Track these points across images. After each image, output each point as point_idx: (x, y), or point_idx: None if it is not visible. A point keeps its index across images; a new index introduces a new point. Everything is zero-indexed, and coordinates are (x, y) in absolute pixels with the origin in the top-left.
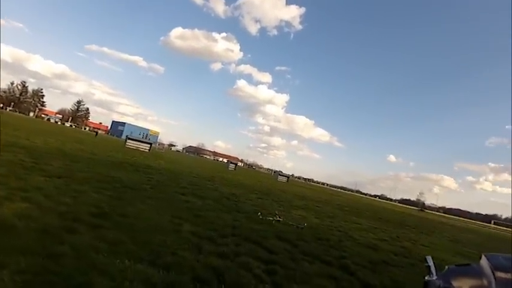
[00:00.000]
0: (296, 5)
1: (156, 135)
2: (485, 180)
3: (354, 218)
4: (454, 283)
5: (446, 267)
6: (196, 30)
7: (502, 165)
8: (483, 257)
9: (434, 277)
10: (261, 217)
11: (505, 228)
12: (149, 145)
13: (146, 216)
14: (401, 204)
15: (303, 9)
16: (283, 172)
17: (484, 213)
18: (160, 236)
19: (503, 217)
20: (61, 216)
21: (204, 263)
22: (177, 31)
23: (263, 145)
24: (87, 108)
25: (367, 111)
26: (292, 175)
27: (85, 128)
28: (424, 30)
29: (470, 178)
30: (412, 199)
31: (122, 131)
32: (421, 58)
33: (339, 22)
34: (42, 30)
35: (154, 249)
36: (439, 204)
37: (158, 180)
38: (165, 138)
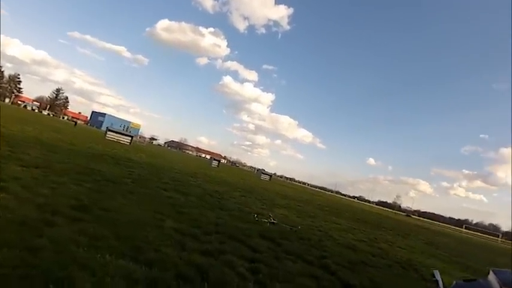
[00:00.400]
0: (285, 5)
1: (137, 128)
2: (459, 186)
3: (333, 218)
4: None
5: (454, 282)
6: (183, 23)
7: (475, 172)
8: (491, 272)
9: None
10: (256, 219)
11: (475, 233)
12: (130, 138)
13: (128, 211)
14: (378, 206)
15: (291, 10)
16: (266, 171)
17: (456, 218)
18: (142, 232)
19: (474, 222)
20: (39, 208)
21: (187, 260)
22: (163, 23)
23: (247, 143)
24: (67, 97)
25: (349, 114)
26: (275, 174)
27: (63, 117)
28: (408, 36)
29: (445, 183)
30: (389, 202)
31: (102, 122)
32: (404, 63)
33: (326, 24)
34: (22, 14)
35: (137, 244)
36: (414, 207)
37: (140, 175)
38: (146, 132)
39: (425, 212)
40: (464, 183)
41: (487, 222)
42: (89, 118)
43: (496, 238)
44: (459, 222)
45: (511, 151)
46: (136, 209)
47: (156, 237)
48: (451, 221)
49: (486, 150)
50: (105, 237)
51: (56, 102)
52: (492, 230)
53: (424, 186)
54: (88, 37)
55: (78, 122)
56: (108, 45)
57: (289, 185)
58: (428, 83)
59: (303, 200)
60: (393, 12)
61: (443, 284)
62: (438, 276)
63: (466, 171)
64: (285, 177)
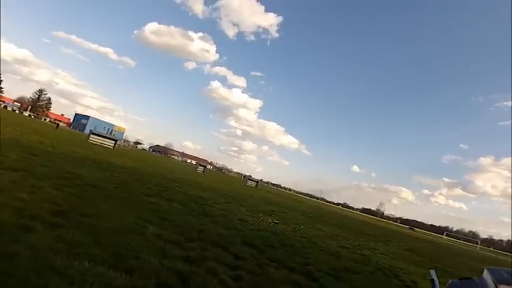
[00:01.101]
0: (274, 13)
1: (121, 131)
2: (440, 194)
3: (318, 225)
4: None
5: (450, 281)
6: (172, 27)
7: (455, 180)
8: (485, 271)
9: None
10: (262, 219)
11: (456, 240)
12: (114, 141)
13: (109, 217)
14: (362, 214)
15: (280, 18)
16: (253, 177)
17: (437, 225)
18: (123, 238)
19: (454, 229)
20: (17, 213)
21: (169, 268)
22: (152, 26)
23: (234, 148)
24: (49, 98)
25: (335, 121)
26: (261, 180)
27: (45, 119)
28: (393, 47)
29: (426, 191)
30: (372, 209)
31: (85, 124)
32: (388, 73)
33: (314, 33)
34: (5, 10)
35: (117, 251)
36: (397, 214)
37: (123, 180)
38: (131, 136)
39: (407, 220)
40: (444, 191)
41: (466, 229)
42: (71, 120)
43: (476, 245)
44: (440, 229)
45: (489, 161)
46: (118, 215)
47: (138, 244)
48: (432, 228)
49: (466, 159)
50: (85, 243)
51: (38, 103)
52: (471, 237)
53: (407, 193)
54: (74, 37)
55: (61, 124)
56: (95, 46)
57: (275, 191)
58: (411, 93)
59: (288, 206)
60: (380, 23)
61: (439, 282)
62: (434, 276)
63: (447, 180)
64: (271, 183)
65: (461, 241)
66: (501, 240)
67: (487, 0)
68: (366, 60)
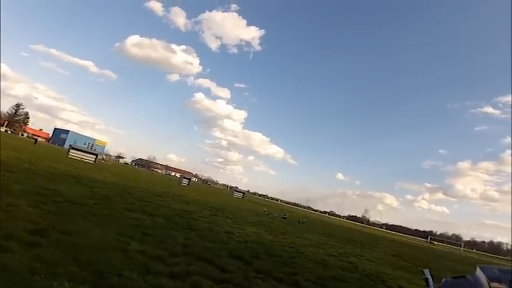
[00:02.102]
0: (256, 26)
1: (102, 145)
2: (422, 199)
3: (305, 234)
4: None
5: (443, 279)
6: (154, 40)
7: (437, 185)
8: (478, 269)
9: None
10: (266, 213)
11: (440, 244)
12: (95, 156)
13: (89, 234)
14: (348, 221)
15: (262, 32)
16: (239, 188)
17: (422, 229)
18: (104, 256)
19: (438, 233)
20: None
21: (152, 284)
22: (133, 38)
23: (220, 160)
24: (27, 113)
25: (318, 130)
26: (248, 191)
27: (23, 135)
28: (373, 58)
29: (409, 197)
30: (358, 216)
31: (65, 139)
32: (369, 83)
33: (296, 46)
34: None
35: (98, 269)
36: (383, 220)
37: (103, 195)
38: (112, 149)
39: (393, 225)
40: (427, 195)
41: (450, 232)
42: (50, 135)
43: (459, 248)
44: (425, 234)
45: (467, 165)
46: (99, 232)
47: (120, 261)
48: (417, 232)
49: (445, 164)
50: (64, 262)
51: (15, 118)
52: (455, 240)
53: (390, 199)
54: (53, 51)
55: (39, 139)
56: (75, 60)
57: (262, 202)
58: (390, 102)
59: (275, 217)
60: (359, 35)
61: (433, 281)
62: (428, 275)
63: (428, 185)
64: (258, 194)
65: (445, 244)
66: (483, 242)
67: (459, 12)
68: (346, 70)
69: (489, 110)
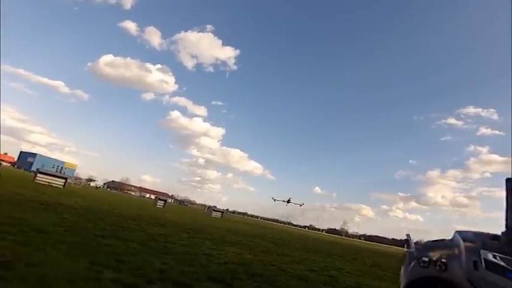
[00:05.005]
0: (232, 46)
1: (72, 168)
2: (397, 208)
3: (286, 250)
4: (429, 253)
5: (424, 242)
6: (128, 59)
7: (409, 194)
8: (455, 233)
9: (413, 249)
10: (274, 200)
11: None
12: (64, 180)
13: (59, 264)
14: (328, 234)
15: (237, 51)
16: (218, 207)
17: (398, 238)
18: (75, 286)
19: (414, 241)
20: None
21: None
22: (107, 58)
23: (197, 178)
24: None
25: (295, 145)
26: (227, 210)
27: None
28: (344, 72)
29: (384, 207)
30: (337, 228)
31: (32, 163)
32: (341, 97)
33: (271, 64)
34: None
35: None
36: (361, 231)
37: (74, 221)
38: (83, 172)
39: (371, 236)
40: (401, 205)
41: (425, 239)
42: (16, 159)
43: None
44: (401, 242)
45: (436, 173)
46: (69, 261)
47: None
48: (394, 241)
49: (415, 173)
50: None
51: None
52: None
53: (366, 210)
54: (21, 71)
55: (3, 164)
56: (44, 80)
57: (242, 220)
58: (362, 115)
59: (255, 234)
60: (330, 51)
61: (414, 244)
62: (410, 238)
63: (401, 194)
64: (238, 212)
65: None
66: None
67: (421, 29)
68: (318, 86)
69: (452, 121)
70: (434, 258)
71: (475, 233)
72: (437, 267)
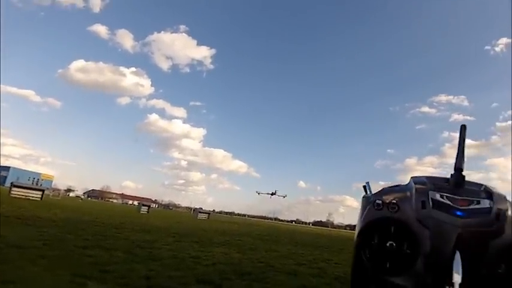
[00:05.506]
0: (207, 46)
1: (49, 179)
2: None
3: (273, 246)
4: (384, 197)
5: (382, 188)
6: (101, 64)
7: (390, 182)
8: (410, 179)
9: (370, 195)
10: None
11: None
12: (41, 192)
13: (39, 280)
14: (315, 226)
15: (213, 51)
16: (204, 209)
17: None
18: None
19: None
20: None
21: None
22: (78, 63)
23: (181, 181)
24: None
25: (277, 141)
26: (213, 210)
27: None
28: (321, 67)
29: None
30: (323, 220)
31: (6, 177)
32: (318, 91)
33: (248, 61)
34: None
35: None
36: (346, 222)
37: (53, 234)
38: (61, 183)
39: (355, 225)
40: None
41: None
42: None
43: None
44: None
45: (413, 161)
46: (50, 276)
47: None
48: None
49: (394, 162)
50: None
51: None
52: None
53: (350, 201)
54: None
55: None
56: (13, 90)
57: (228, 220)
58: (339, 108)
59: (243, 233)
60: (305, 46)
61: (371, 191)
62: (368, 185)
63: (382, 183)
64: (224, 212)
65: None
66: None
67: (395, 19)
68: (295, 81)
69: (426, 109)
70: (387, 201)
71: (428, 177)
72: (390, 209)
